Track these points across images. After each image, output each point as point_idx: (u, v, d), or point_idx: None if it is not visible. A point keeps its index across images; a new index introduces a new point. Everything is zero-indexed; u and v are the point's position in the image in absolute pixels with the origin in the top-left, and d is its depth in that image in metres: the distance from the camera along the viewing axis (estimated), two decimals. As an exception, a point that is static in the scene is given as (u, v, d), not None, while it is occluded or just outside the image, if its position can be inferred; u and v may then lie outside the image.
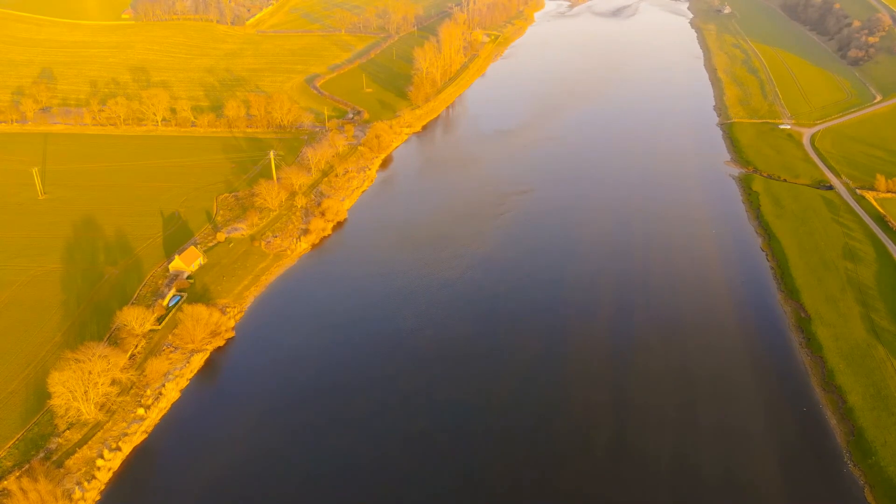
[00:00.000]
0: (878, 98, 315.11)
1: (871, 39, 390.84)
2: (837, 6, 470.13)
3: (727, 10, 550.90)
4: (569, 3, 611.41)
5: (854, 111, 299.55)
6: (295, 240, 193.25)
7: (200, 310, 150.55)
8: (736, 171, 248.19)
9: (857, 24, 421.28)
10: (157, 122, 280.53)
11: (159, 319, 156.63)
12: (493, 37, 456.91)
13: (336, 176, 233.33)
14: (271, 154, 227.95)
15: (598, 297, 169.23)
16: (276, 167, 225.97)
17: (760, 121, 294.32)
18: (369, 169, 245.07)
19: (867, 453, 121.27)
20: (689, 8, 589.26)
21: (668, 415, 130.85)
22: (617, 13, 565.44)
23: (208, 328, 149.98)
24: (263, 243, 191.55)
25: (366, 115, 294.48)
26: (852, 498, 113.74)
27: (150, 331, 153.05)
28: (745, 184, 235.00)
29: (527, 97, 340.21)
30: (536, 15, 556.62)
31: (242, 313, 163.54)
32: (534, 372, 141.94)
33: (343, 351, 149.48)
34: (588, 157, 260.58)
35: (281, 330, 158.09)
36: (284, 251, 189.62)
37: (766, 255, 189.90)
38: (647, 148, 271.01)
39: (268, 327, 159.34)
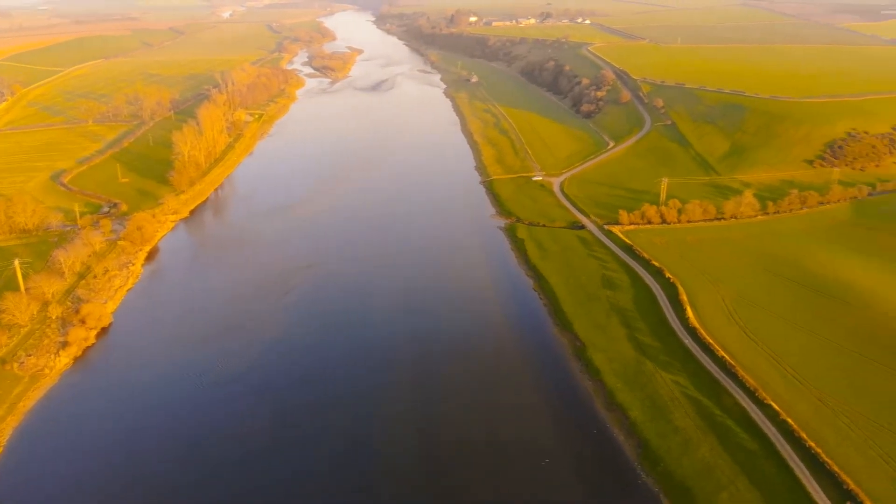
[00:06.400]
0: (612, 144, 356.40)
1: (599, 94, 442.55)
2: (568, 68, 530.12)
3: (474, 79, 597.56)
4: (329, 81, 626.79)
5: (592, 158, 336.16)
6: (53, 356, 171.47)
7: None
8: (501, 222, 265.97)
9: (585, 81, 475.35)
10: None
11: None
12: (256, 115, 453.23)
13: (95, 277, 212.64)
14: (16, 263, 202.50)
15: (394, 358, 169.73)
16: (24, 276, 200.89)
17: (516, 175, 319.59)
18: (133, 264, 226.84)
19: (655, 462, 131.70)
20: (441, 79, 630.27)
21: (476, 450, 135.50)
22: (376, 87, 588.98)
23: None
24: (16, 365, 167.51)
25: (124, 207, 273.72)
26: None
27: None
28: (510, 232, 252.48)
29: (298, 173, 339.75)
30: (299, 92, 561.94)
31: (0, 450, 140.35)
32: (335, 463, 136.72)
33: (123, 476, 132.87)
34: (365, 225, 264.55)
35: (48, 464, 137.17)
36: (41, 370, 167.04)
37: (538, 294, 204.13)
38: (421, 209, 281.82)
39: (32, 463, 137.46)
